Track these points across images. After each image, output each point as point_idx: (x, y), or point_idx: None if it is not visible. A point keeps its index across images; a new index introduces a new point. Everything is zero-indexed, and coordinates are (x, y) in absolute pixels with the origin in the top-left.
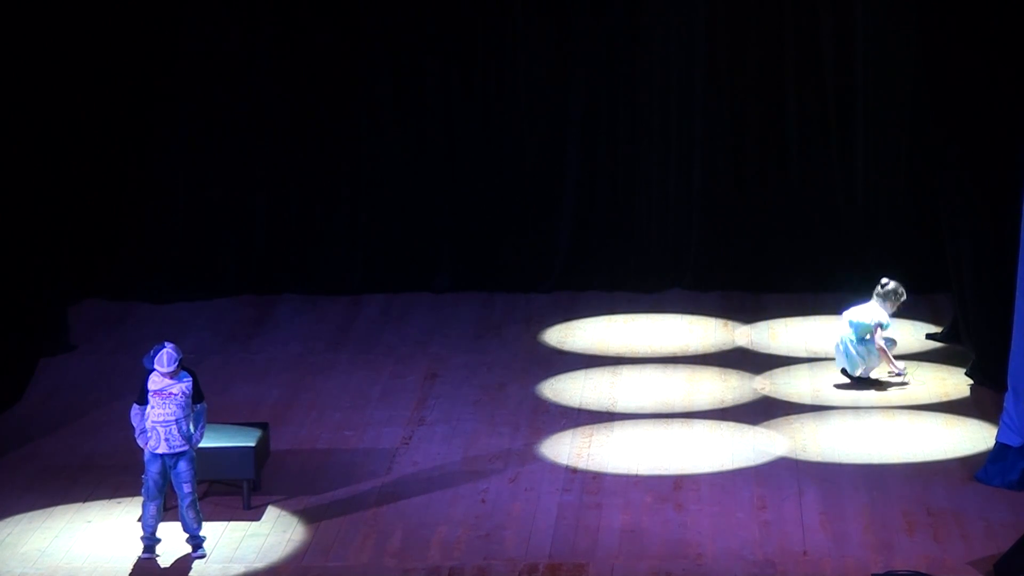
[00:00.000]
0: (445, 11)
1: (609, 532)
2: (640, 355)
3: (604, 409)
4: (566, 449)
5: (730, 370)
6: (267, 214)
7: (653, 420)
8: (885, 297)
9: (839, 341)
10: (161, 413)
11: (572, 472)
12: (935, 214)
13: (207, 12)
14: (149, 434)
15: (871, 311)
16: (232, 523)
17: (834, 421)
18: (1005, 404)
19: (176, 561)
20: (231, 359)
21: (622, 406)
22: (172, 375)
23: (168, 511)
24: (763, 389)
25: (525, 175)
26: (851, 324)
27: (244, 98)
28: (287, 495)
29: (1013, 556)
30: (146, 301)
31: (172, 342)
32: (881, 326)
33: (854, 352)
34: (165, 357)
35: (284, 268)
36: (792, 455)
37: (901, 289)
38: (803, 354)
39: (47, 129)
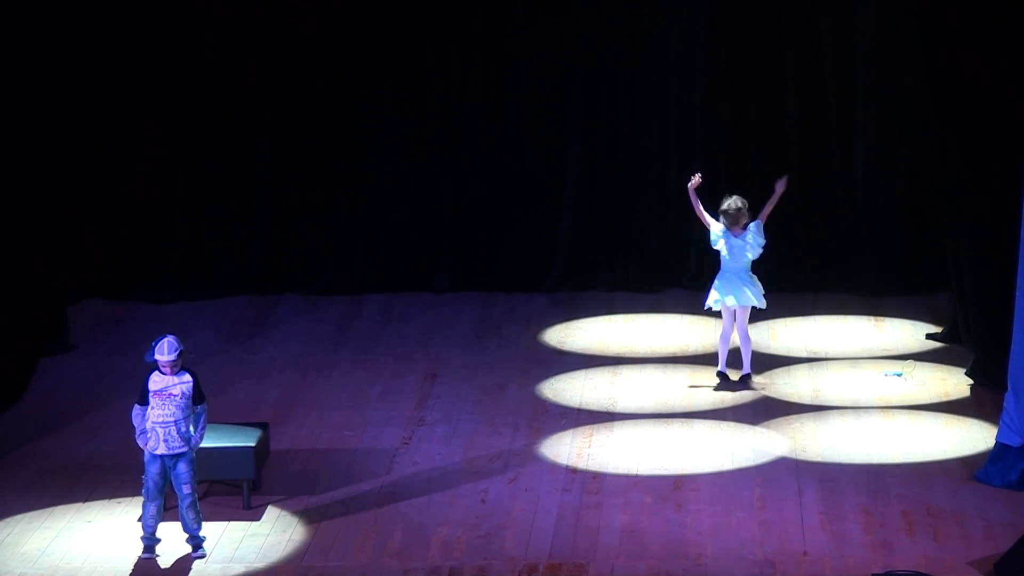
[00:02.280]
0: (445, 11)
1: (609, 532)
2: (640, 355)
3: (604, 409)
4: (566, 449)
5: (730, 370)
6: (267, 214)
7: (653, 420)
8: None
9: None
10: (161, 414)
11: (572, 472)
12: (935, 214)
13: (206, 11)
14: (149, 435)
15: None
16: (232, 523)
17: (834, 421)
18: (1005, 404)
19: (176, 561)
20: (231, 359)
21: (622, 406)
22: (172, 367)
23: (168, 511)
24: (763, 389)
25: (525, 175)
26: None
27: (244, 98)
28: (287, 495)
29: (1013, 556)
30: (146, 301)
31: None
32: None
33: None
34: (166, 345)
35: (284, 268)
36: (792, 455)
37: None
38: (803, 354)
39: (47, 129)
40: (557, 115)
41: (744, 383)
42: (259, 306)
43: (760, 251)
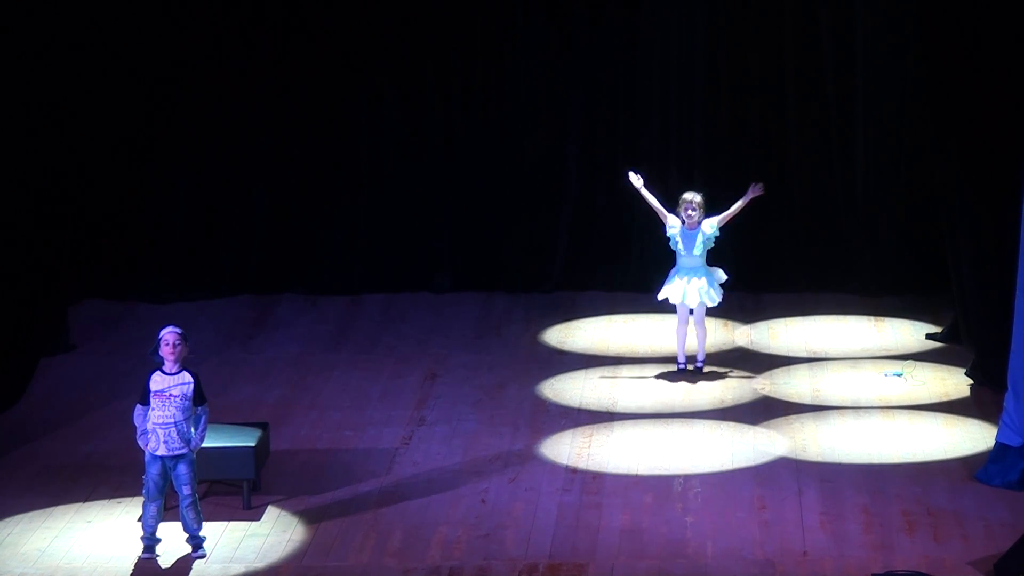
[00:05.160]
0: (445, 11)
1: (609, 532)
2: (640, 355)
3: (604, 409)
4: (566, 449)
5: (730, 370)
6: (267, 214)
7: (653, 420)
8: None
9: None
10: (161, 415)
11: (572, 472)
12: (934, 214)
13: (207, 12)
14: (149, 436)
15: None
16: (232, 523)
17: (834, 421)
18: (1005, 404)
19: (176, 561)
20: (231, 359)
21: (622, 406)
22: (175, 345)
23: (168, 511)
24: (763, 389)
25: (525, 175)
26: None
27: (244, 98)
28: (287, 495)
29: (1013, 556)
30: (146, 301)
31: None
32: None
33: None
34: (170, 326)
35: (284, 268)
36: (792, 455)
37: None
38: (803, 354)
39: (47, 129)
40: (557, 114)
41: (697, 373)
42: (259, 306)
43: (711, 244)
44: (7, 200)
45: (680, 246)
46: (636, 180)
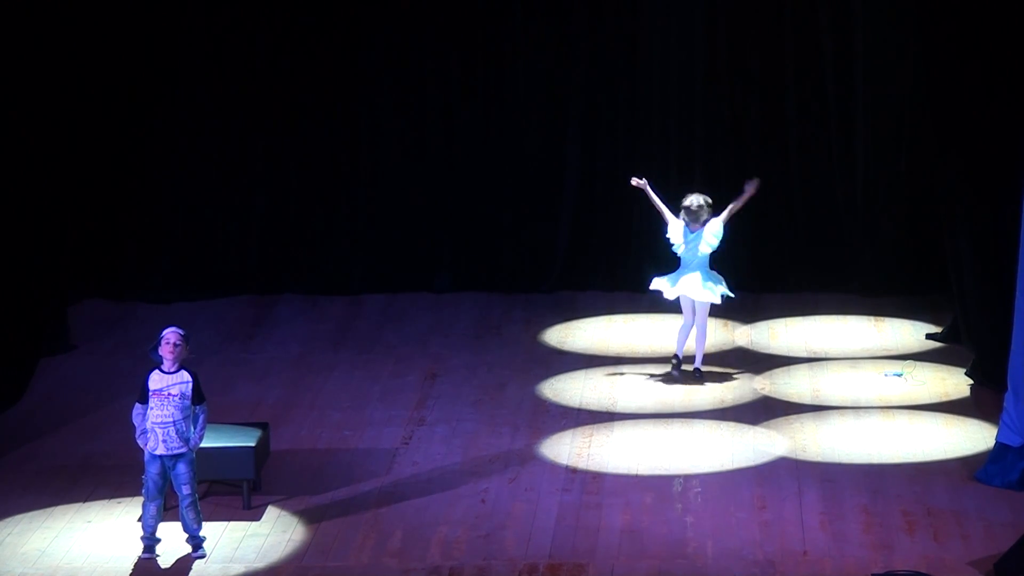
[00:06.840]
0: (445, 10)
1: (609, 532)
2: (640, 355)
3: (604, 409)
4: (566, 449)
5: (730, 370)
6: (267, 214)
7: (653, 420)
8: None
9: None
10: (159, 414)
11: (572, 472)
12: (934, 214)
13: (206, 12)
14: (148, 435)
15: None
16: (232, 523)
17: (834, 421)
18: (1005, 404)
19: (176, 561)
20: (231, 359)
21: (622, 406)
22: (176, 345)
23: (168, 511)
24: (763, 389)
25: (525, 175)
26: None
27: (244, 98)
28: (287, 495)
29: (1013, 556)
30: (146, 301)
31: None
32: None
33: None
34: (172, 326)
35: (284, 268)
36: (792, 455)
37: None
38: (803, 354)
39: (47, 130)
40: (557, 114)
41: (697, 376)
42: (259, 306)
43: (716, 245)
44: (7, 200)
45: (684, 248)
46: (639, 182)
